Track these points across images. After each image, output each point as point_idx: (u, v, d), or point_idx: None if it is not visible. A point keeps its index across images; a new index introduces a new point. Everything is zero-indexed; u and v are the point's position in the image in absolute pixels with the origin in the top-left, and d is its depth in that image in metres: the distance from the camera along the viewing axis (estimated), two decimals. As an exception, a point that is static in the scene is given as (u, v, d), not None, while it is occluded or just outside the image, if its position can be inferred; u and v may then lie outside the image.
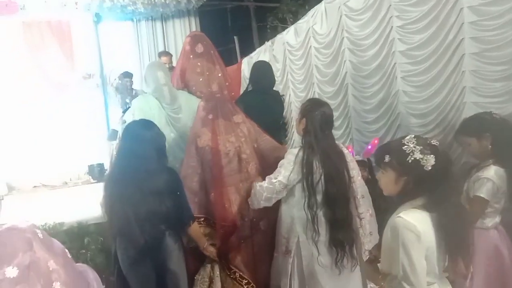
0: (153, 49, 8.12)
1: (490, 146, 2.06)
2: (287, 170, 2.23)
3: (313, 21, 4.41)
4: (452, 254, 1.50)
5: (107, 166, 7.29)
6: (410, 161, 1.47)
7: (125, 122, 3.47)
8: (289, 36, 5.11)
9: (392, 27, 3.13)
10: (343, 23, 3.79)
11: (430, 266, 1.48)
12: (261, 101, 3.21)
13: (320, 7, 4.25)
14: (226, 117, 2.63)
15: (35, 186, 7.43)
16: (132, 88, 6.78)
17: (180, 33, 8.12)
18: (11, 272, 0.60)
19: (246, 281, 2.58)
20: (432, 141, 1.50)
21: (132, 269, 2.22)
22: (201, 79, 3.15)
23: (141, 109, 3.08)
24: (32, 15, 7.31)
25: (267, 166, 2.68)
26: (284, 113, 5.07)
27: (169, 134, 2.97)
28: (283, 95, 4.61)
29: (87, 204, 3.88)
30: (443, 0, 2.63)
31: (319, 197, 2.18)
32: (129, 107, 3.71)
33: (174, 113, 3.08)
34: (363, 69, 3.57)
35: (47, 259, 0.65)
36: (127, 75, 6.84)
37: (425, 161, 1.45)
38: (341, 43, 3.87)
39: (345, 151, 2.31)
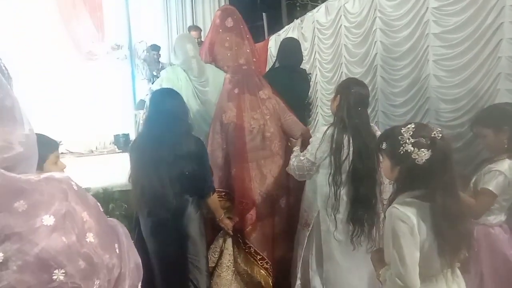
0: (182, 23, 8.13)
1: (506, 140, 1.92)
2: (313, 147, 2.26)
3: (345, -1, 4.31)
4: (451, 247, 1.43)
5: (132, 136, 7.45)
6: (401, 153, 1.41)
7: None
8: (319, 14, 5.00)
9: (427, 8, 3.03)
10: (376, 2, 3.68)
11: (428, 259, 1.43)
12: (287, 78, 3.19)
13: (353, -15, 4.13)
14: (252, 92, 2.63)
15: (62, 153, 7.68)
16: (159, 61, 6.82)
17: (209, 8, 8.08)
18: (48, 220, 0.62)
19: (260, 257, 2.63)
20: (434, 133, 1.41)
21: (153, 234, 2.30)
22: (228, 54, 3.19)
23: (169, 79, 3.17)
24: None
25: (290, 145, 2.69)
26: (309, 93, 5.05)
27: (195, 106, 3.06)
28: (310, 73, 4.57)
29: (112, 172, 4.00)
30: (485, -20, 2.52)
31: (344, 175, 2.19)
32: (157, 77, 3.77)
33: (201, 86, 3.13)
34: (394, 50, 3.48)
35: (81, 211, 0.68)
36: (155, 48, 6.89)
37: (416, 154, 1.38)
38: (373, 23, 3.77)
39: (379, 133, 2.30)
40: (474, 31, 2.65)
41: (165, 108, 2.27)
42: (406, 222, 1.39)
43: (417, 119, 3.18)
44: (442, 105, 2.96)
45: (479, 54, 2.63)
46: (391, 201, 1.52)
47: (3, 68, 0.77)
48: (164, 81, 3.15)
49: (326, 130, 2.24)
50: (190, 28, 6.27)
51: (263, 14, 7.35)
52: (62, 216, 0.63)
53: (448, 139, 1.48)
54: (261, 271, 2.59)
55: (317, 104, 5.09)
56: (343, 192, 2.21)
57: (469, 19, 2.68)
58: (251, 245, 2.63)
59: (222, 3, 8.02)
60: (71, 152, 7.50)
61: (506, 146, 1.93)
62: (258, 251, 2.63)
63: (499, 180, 1.90)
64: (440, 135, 1.42)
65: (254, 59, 3.35)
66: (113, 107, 7.84)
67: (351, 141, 2.17)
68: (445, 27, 2.89)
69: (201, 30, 6.19)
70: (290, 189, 2.77)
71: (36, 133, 0.80)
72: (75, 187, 0.69)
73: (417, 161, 1.39)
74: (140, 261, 0.79)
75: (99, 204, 0.75)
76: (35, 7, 7.55)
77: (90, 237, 0.66)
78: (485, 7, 2.56)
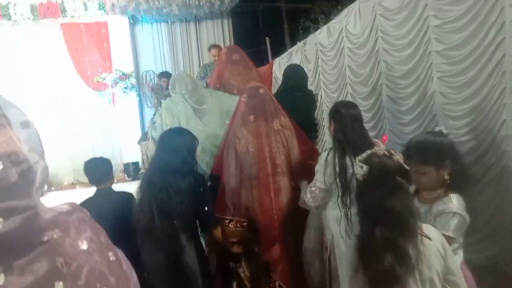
0: (187, 50, 8.29)
1: (447, 176, 1.73)
2: (320, 174, 2.28)
3: (346, 21, 4.37)
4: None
5: (141, 165, 7.51)
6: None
7: (155, 123, 3.61)
8: (321, 36, 5.08)
9: (428, 26, 3.06)
10: (377, 22, 3.73)
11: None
12: (293, 100, 3.23)
13: (353, 7, 4.20)
14: (267, 120, 2.59)
15: (72, 183, 7.75)
16: (168, 88, 6.91)
17: (213, 34, 8.24)
18: (83, 245, 0.71)
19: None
20: (381, 151, 1.45)
21: (151, 265, 2.31)
22: (237, 78, 3.42)
23: (168, 108, 3.35)
24: (72, 17, 7.62)
25: (301, 174, 2.66)
26: (315, 113, 5.07)
27: (197, 126, 3.19)
28: (316, 94, 4.62)
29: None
30: (483, -1, 2.55)
31: (353, 194, 2.18)
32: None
33: (197, 104, 3.31)
34: (398, 69, 3.51)
35: (98, 233, 0.77)
36: (165, 75, 6.99)
37: (356, 168, 1.45)
38: (375, 43, 3.82)
39: (380, 144, 2.32)
40: (476, 47, 2.67)
41: (171, 146, 2.34)
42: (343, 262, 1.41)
43: (425, 136, 3.16)
44: (449, 121, 2.96)
45: (483, 69, 2.64)
46: None
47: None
48: (163, 110, 3.34)
49: (327, 155, 2.27)
50: (210, 47, 6.31)
51: (266, 38, 7.47)
52: (91, 239, 0.72)
53: (393, 162, 1.43)
54: None
55: (323, 124, 5.11)
56: (353, 212, 2.20)
57: (470, 35, 2.70)
58: (277, 280, 2.51)
59: (226, 29, 8.19)
60: (81, 182, 7.57)
61: (448, 181, 1.75)
62: (283, 285, 2.52)
63: (456, 222, 1.69)
64: (385, 153, 1.43)
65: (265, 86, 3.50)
66: (122, 136, 7.94)
67: (353, 160, 2.17)
68: (447, 44, 2.92)
69: (221, 48, 6.23)
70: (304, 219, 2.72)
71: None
72: (85, 213, 0.77)
73: (357, 175, 1.43)
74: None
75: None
76: (43, 40, 7.76)
77: (111, 256, 0.74)
78: (485, 23, 2.58)
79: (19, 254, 0.67)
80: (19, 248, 0.68)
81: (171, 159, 2.31)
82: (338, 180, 2.20)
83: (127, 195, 2.67)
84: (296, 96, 3.35)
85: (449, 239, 1.63)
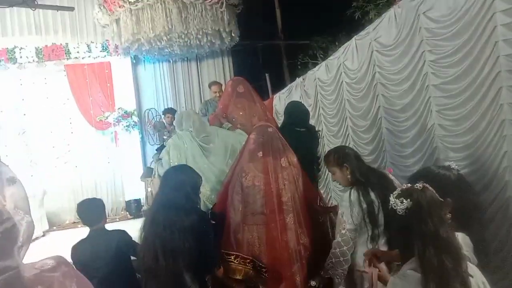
0: (189, 88, 8.44)
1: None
2: (348, 215, 2.33)
3: (344, 57, 4.48)
4: None
5: (143, 202, 7.46)
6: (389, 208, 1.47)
7: (161, 159, 3.63)
8: (320, 72, 5.19)
9: (425, 61, 3.14)
10: (374, 58, 3.82)
11: None
12: (297, 136, 3.27)
13: (351, 43, 4.32)
14: (275, 157, 2.61)
15: (74, 222, 7.68)
16: (173, 124, 7.00)
17: (214, 72, 8.41)
18: None
19: None
20: (416, 185, 1.46)
21: None
22: (241, 113, 3.50)
23: (175, 145, 3.42)
24: (76, 59, 7.81)
25: (305, 213, 2.65)
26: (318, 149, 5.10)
27: (203, 164, 3.29)
28: (319, 130, 4.67)
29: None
30: (477, 34, 2.63)
31: (380, 228, 2.24)
32: (164, 145, 3.91)
33: (204, 143, 3.38)
34: (397, 103, 3.56)
35: (84, 286, 0.77)
36: (169, 111, 7.07)
37: (395, 204, 1.43)
38: (373, 78, 3.90)
39: (391, 176, 2.44)
40: (473, 81, 2.72)
41: (175, 183, 2.35)
42: None
43: (427, 169, 3.17)
44: (450, 153, 2.97)
45: (481, 102, 2.68)
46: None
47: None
48: (171, 147, 3.39)
49: (349, 196, 2.33)
50: (210, 84, 6.41)
51: (266, 74, 7.63)
52: None
53: (433, 193, 1.46)
54: None
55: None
56: (381, 243, 2.24)
57: (466, 69, 2.76)
58: None
59: (227, 67, 8.37)
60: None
61: (449, 220, 1.72)
62: None
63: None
64: (423, 186, 1.45)
65: (266, 117, 3.57)
66: (124, 174, 7.95)
67: (375, 195, 2.28)
68: (444, 78, 2.98)
69: (221, 85, 6.33)
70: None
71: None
72: (71, 267, 0.77)
73: (398, 211, 1.41)
74: None
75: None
76: (47, 81, 7.92)
77: None
78: (480, 57, 2.65)
79: None
80: None
81: (174, 196, 2.30)
82: (367, 217, 2.28)
83: (120, 233, 2.67)
84: (299, 132, 3.40)
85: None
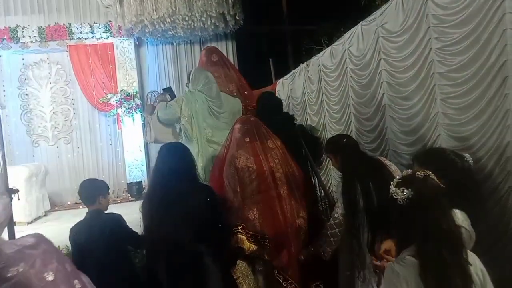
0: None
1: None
2: (340, 201, 2.48)
3: (349, 43, 4.43)
4: None
5: (144, 184, 7.50)
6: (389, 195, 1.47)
7: (171, 106, 3.98)
8: (324, 58, 5.14)
9: (431, 48, 3.10)
10: (380, 45, 3.78)
11: None
12: (273, 123, 3.37)
13: (356, 29, 4.26)
14: (261, 141, 2.85)
15: (76, 203, 7.74)
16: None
17: (217, 56, 8.33)
18: (49, 276, 0.73)
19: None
20: (418, 173, 1.43)
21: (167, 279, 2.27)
22: (218, 81, 3.83)
23: (188, 102, 3.79)
24: (79, 39, 7.76)
25: (299, 185, 2.86)
26: (319, 135, 5.10)
27: (213, 123, 3.74)
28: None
29: (128, 221, 3.98)
30: (485, 21, 2.58)
31: (362, 220, 2.37)
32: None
33: (217, 107, 3.80)
34: (401, 90, 3.53)
35: (64, 262, 0.78)
36: (167, 90, 7.02)
37: (396, 193, 1.42)
38: (378, 64, 3.86)
39: (388, 162, 2.54)
40: (479, 69, 2.69)
41: (171, 163, 2.37)
42: (395, 284, 1.36)
43: (429, 157, 3.16)
44: (453, 142, 2.96)
45: (486, 91, 2.66)
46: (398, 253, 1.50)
47: None
48: (184, 102, 3.76)
49: (341, 183, 2.48)
50: None
51: (270, 59, 7.56)
52: (57, 270, 0.73)
53: (435, 182, 1.44)
54: None
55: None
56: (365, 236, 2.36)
57: (472, 58, 2.73)
58: (291, 279, 2.68)
59: (230, 51, 8.31)
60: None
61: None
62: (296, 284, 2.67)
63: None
64: (424, 175, 1.43)
65: (245, 92, 3.80)
66: (125, 156, 7.97)
67: (362, 187, 2.38)
68: (450, 66, 2.94)
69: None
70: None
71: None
72: (51, 244, 0.78)
73: (398, 200, 1.39)
74: None
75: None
76: (50, 62, 7.89)
77: (77, 284, 0.75)
78: (487, 46, 2.61)
79: None
80: None
81: (175, 174, 2.35)
82: (349, 208, 2.40)
83: (116, 216, 2.71)
84: (275, 119, 3.54)
85: None
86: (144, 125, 8.08)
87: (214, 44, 8.34)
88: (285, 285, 2.65)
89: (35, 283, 0.68)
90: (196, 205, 2.26)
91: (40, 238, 0.80)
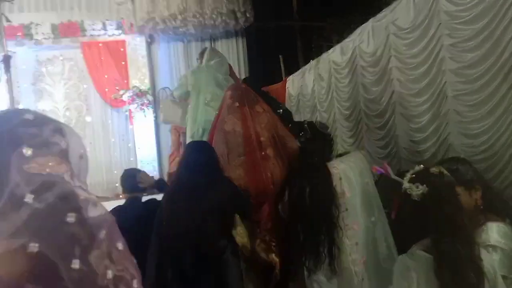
0: (202, 68, 8.39)
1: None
2: None
3: (359, 39, 4.42)
4: None
5: (156, 179, 7.56)
6: (402, 190, 1.45)
7: (181, 82, 4.69)
8: (334, 54, 5.13)
9: (442, 45, 3.08)
10: (390, 41, 3.77)
11: None
12: None
13: (367, 26, 4.25)
14: (250, 105, 2.98)
15: (88, 197, 7.84)
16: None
17: (227, 53, 8.34)
18: (120, 246, 0.85)
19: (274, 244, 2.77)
20: (433, 169, 1.43)
21: (187, 279, 2.29)
22: None
23: (194, 72, 4.48)
24: (91, 36, 7.84)
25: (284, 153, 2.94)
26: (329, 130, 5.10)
27: (214, 92, 4.24)
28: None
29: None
30: (498, 18, 2.56)
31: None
32: None
33: (225, 81, 4.37)
34: (412, 87, 3.52)
35: (113, 224, 0.90)
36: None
37: (411, 189, 1.40)
38: (388, 61, 3.85)
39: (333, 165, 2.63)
40: (491, 66, 2.67)
41: (196, 158, 2.45)
42: (406, 279, 1.36)
43: (440, 154, 3.16)
44: (464, 140, 2.95)
45: (498, 88, 2.64)
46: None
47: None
48: (189, 74, 4.60)
49: None
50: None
51: (280, 56, 7.56)
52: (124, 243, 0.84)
53: (450, 178, 1.44)
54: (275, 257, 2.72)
55: (337, 141, 5.11)
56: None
57: (485, 54, 2.71)
58: (267, 234, 2.78)
59: (240, 48, 8.32)
60: (98, 197, 7.64)
61: (481, 207, 1.65)
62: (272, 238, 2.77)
63: (499, 258, 1.53)
64: (439, 171, 1.42)
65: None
66: (137, 152, 8.05)
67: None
68: (462, 63, 2.93)
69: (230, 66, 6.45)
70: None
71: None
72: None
73: (413, 196, 1.39)
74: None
75: None
76: (63, 59, 7.99)
77: (120, 246, 0.83)
78: (500, 42, 2.59)
79: None
80: None
81: (201, 170, 2.44)
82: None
83: (156, 202, 2.79)
84: None
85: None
86: (156, 122, 8.16)
87: (224, 42, 8.36)
88: (261, 236, 2.75)
89: (112, 248, 0.75)
90: (219, 197, 2.32)
91: (109, 213, 0.88)
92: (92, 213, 0.80)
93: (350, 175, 2.55)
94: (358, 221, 2.44)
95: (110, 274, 0.75)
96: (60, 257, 0.71)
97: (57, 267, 0.70)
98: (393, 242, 2.36)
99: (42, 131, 0.84)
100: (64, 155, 0.84)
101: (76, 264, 0.71)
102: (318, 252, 2.36)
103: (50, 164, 0.79)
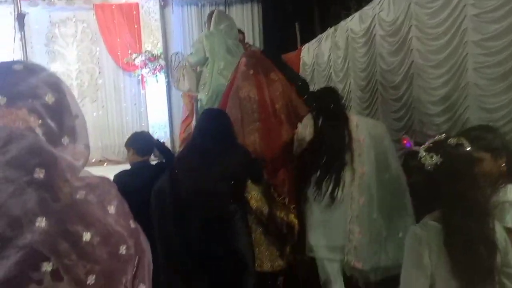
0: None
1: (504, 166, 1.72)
2: None
3: (379, 7, 4.28)
4: (469, 276, 1.32)
5: (167, 144, 7.63)
6: (418, 158, 1.39)
7: (195, 48, 4.61)
8: (353, 22, 4.99)
9: (465, 15, 2.97)
10: (412, 10, 3.64)
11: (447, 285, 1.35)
12: None
13: (387, -6, 4.11)
14: (265, 73, 3.02)
15: (100, 160, 7.97)
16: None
17: (242, 19, 8.20)
18: (112, 209, 0.78)
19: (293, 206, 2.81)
20: (450, 139, 1.37)
21: (197, 242, 2.33)
22: None
23: (207, 37, 4.40)
24: (105, -2, 7.73)
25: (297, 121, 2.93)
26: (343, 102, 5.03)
27: (230, 59, 4.22)
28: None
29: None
30: (526, -13, 2.46)
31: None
32: None
33: (236, 46, 4.40)
34: (431, 58, 3.43)
35: (123, 203, 0.83)
36: None
37: (425, 159, 1.35)
38: (408, 31, 3.73)
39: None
40: (516, 38, 2.58)
41: (212, 126, 2.49)
42: (417, 248, 1.35)
43: (457, 128, 3.11)
44: (483, 114, 2.89)
45: (522, 61, 2.56)
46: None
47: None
48: (205, 39, 4.41)
49: None
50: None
51: (296, 23, 7.38)
52: (117, 206, 0.79)
53: (467, 152, 1.38)
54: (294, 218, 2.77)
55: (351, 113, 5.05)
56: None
57: (509, 26, 2.61)
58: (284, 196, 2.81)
59: (256, 14, 8.15)
60: (109, 160, 7.77)
61: (505, 172, 1.70)
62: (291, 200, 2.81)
63: None
64: (457, 142, 1.37)
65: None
66: (149, 117, 8.08)
67: None
68: (485, 34, 2.83)
69: (243, 33, 6.31)
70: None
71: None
72: (114, 186, 0.82)
73: (426, 166, 1.35)
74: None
75: None
76: (76, 21, 7.92)
77: (132, 224, 0.81)
78: (527, 13, 2.49)
79: None
80: None
81: (216, 136, 2.43)
82: None
83: (165, 166, 2.80)
84: None
85: (509, 232, 1.51)
86: (168, 87, 8.14)
87: (239, 7, 8.18)
88: (279, 199, 2.80)
89: (97, 210, 0.72)
90: (231, 163, 2.34)
91: (105, 179, 0.84)
92: (70, 175, 0.75)
93: (367, 126, 2.66)
94: (366, 168, 2.53)
95: (87, 236, 0.70)
96: (24, 213, 0.66)
97: (22, 225, 0.66)
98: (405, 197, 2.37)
99: (26, 82, 0.77)
100: (47, 109, 0.77)
101: (42, 222, 0.66)
102: (321, 185, 2.49)
103: (22, 117, 0.73)
